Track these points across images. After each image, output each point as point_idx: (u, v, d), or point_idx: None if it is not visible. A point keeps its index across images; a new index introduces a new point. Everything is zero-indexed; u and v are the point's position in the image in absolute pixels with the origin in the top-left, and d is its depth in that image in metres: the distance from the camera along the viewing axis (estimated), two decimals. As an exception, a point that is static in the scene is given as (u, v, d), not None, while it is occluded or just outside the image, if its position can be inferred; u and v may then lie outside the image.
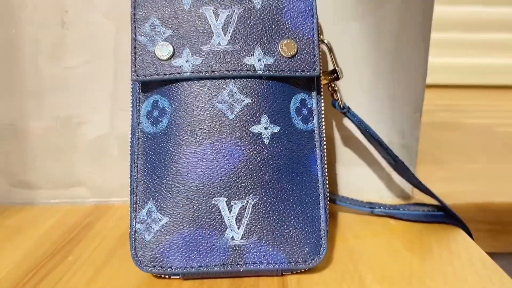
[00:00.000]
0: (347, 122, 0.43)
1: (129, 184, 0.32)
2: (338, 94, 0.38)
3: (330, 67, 0.39)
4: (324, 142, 0.34)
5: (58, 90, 0.41)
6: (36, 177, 0.43)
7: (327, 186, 0.33)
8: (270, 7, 0.32)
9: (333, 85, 0.38)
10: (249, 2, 0.32)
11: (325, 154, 0.34)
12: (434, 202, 0.41)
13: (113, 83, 0.41)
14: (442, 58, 1.18)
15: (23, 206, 0.44)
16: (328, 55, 0.38)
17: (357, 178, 0.44)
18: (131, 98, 0.34)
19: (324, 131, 0.34)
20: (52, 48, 0.40)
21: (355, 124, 0.39)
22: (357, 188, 0.44)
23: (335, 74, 0.38)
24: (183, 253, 0.30)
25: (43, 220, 0.41)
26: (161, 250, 0.30)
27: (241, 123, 0.31)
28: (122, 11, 0.40)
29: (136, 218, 0.31)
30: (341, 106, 0.38)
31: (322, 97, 0.35)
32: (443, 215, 0.40)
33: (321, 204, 0.32)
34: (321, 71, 0.35)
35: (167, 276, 0.31)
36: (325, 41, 0.37)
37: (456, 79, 1.20)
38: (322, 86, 0.36)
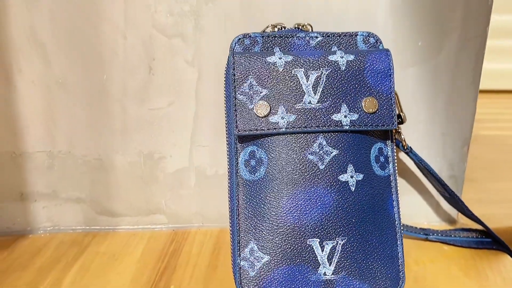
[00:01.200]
0: (401, 156, 0.48)
1: (230, 225, 0.37)
2: (402, 136, 0.43)
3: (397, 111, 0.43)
4: (398, 186, 0.38)
5: (142, 129, 0.46)
6: (120, 205, 0.48)
7: (402, 226, 0.38)
8: (353, 68, 0.37)
9: (397, 128, 0.43)
10: (335, 64, 0.36)
11: (399, 197, 0.38)
12: (478, 226, 0.46)
13: (193, 122, 0.46)
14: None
15: (108, 232, 0.48)
16: (395, 102, 0.42)
17: (407, 205, 0.49)
18: (227, 147, 0.38)
19: (397, 175, 0.39)
20: (139, 92, 0.44)
21: (415, 163, 0.44)
22: (408, 214, 0.49)
23: (400, 119, 0.42)
24: (283, 287, 0.35)
25: (133, 247, 0.45)
26: (264, 284, 0.35)
27: (331, 172, 0.36)
28: (203, 59, 0.44)
29: (240, 256, 0.36)
30: (405, 146, 0.43)
31: (395, 144, 0.39)
32: (491, 242, 0.45)
33: (398, 242, 0.37)
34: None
35: (267, 306, 0.36)
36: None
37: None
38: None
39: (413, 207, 0.49)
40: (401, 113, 0.42)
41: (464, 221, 0.50)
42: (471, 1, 0.43)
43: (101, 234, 0.48)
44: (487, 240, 0.45)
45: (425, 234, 0.46)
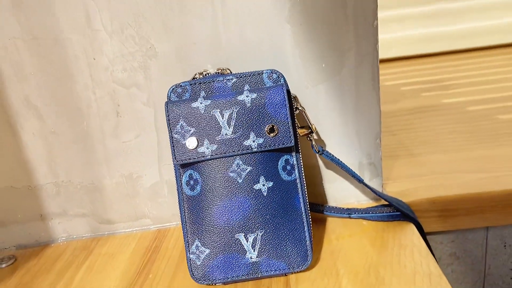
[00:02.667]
0: (327, 152, 0.59)
1: (181, 228, 0.50)
2: (313, 142, 0.54)
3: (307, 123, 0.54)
4: (305, 186, 0.50)
5: (120, 157, 0.59)
6: (114, 215, 0.62)
7: (309, 213, 0.50)
8: (256, 104, 0.48)
9: (309, 136, 0.54)
10: (242, 103, 0.48)
11: (306, 194, 0.50)
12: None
13: (157, 147, 0.59)
14: (431, 28, 1.29)
15: (109, 236, 0.63)
16: (304, 117, 0.54)
17: (339, 190, 0.61)
18: (174, 171, 0.51)
19: (304, 178, 0.51)
20: (112, 131, 0.58)
21: (329, 160, 0.55)
22: (340, 197, 0.61)
23: (310, 130, 0.54)
24: (222, 270, 0.48)
25: (126, 246, 0.60)
26: (208, 270, 0.48)
27: (247, 184, 0.48)
28: (156, 99, 0.56)
29: (189, 250, 0.49)
30: (317, 150, 0.54)
31: (300, 153, 0.51)
32: (400, 215, 0.56)
33: (305, 229, 0.49)
34: (299, 127, 0.52)
35: (214, 284, 0.49)
36: (300, 108, 0.53)
37: (446, 46, 1.31)
38: (300, 137, 0.52)
39: (343, 191, 0.61)
40: (310, 125, 0.54)
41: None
42: (359, 25, 0.53)
43: (104, 238, 0.63)
44: (397, 214, 0.56)
45: (348, 214, 0.58)
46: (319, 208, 0.59)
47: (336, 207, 0.59)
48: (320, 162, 0.60)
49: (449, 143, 0.76)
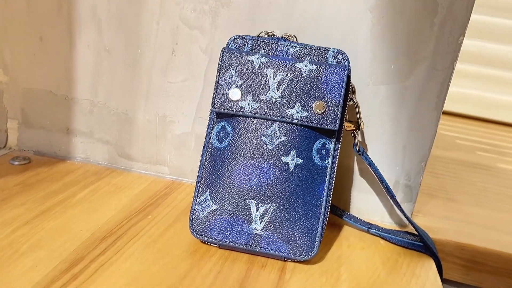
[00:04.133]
0: (366, 158, 0.56)
1: (197, 175, 0.48)
2: (357, 140, 0.51)
3: (357, 119, 0.51)
4: (334, 177, 0.47)
5: (161, 96, 0.58)
6: (136, 152, 0.61)
7: (329, 207, 0.47)
8: (312, 76, 0.46)
9: (355, 133, 0.51)
10: (299, 70, 0.46)
11: (333, 185, 0.47)
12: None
13: (199, 98, 0.57)
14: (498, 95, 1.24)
15: (123, 171, 0.62)
16: (356, 111, 0.51)
17: (366, 202, 0.57)
18: (209, 118, 0.49)
19: (335, 169, 0.47)
20: (163, 67, 0.57)
21: (367, 164, 0.52)
22: (365, 210, 0.57)
23: (358, 126, 0.51)
24: (222, 231, 0.46)
25: (137, 185, 0.58)
26: (208, 225, 0.46)
27: (276, 153, 0.46)
28: (214, 49, 0.55)
29: (196, 201, 0.47)
30: (358, 149, 0.51)
31: (340, 143, 0.48)
32: (422, 246, 0.52)
33: (320, 219, 0.46)
34: (348, 120, 0.49)
35: (209, 243, 0.47)
36: (354, 100, 0.50)
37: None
38: (345, 131, 0.49)
39: (370, 205, 0.57)
40: (359, 121, 0.51)
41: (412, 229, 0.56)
42: (442, 37, 0.50)
43: (118, 171, 0.61)
44: (419, 244, 0.52)
45: (368, 227, 0.54)
46: (339, 212, 0.55)
47: (356, 217, 0.55)
48: (356, 167, 0.56)
49: (493, 202, 0.70)
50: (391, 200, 0.56)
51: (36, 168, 0.59)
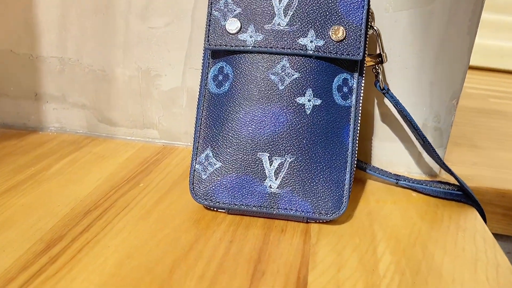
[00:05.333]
0: (387, 100, 0.48)
1: (194, 132, 0.40)
2: (380, 76, 0.43)
3: (378, 51, 0.43)
4: (359, 118, 0.39)
5: (142, 45, 0.49)
6: (118, 116, 0.52)
7: (356, 155, 0.39)
8: (326, -4, 0.37)
9: (377, 68, 0.43)
10: (309, -10, 0.37)
11: (358, 129, 0.39)
12: (457, 183, 0.46)
13: (187, 44, 0.48)
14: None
15: (106, 138, 0.53)
16: (376, 41, 0.43)
17: (390, 152, 0.49)
18: (202, 61, 0.40)
19: (360, 109, 0.39)
20: (141, 10, 0.48)
21: (392, 104, 0.44)
22: (388, 162, 0.49)
23: (380, 58, 0.43)
24: (230, 193, 0.38)
25: (122, 152, 0.50)
26: (213, 188, 0.38)
27: (289, 93, 0.37)
28: (202, -17, 0.46)
29: (196, 160, 0.39)
30: (381, 87, 0.43)
31: (364, 78, 0.40)
32: (462, 195, 0.44)
33: (347, 169, 0.38)
34: (367, 54, 0.40)
35: (215, 209, 0.39)
36: (375, 27, 0.42)
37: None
38: (366, 67, 0.41)
39: (394, 155, 0.49)
40: (382, 53, 0.43)
41: (447, 177, 0.49)
42: None
43: (100, 140, 0.53)
44: (458, 193, 0.45)
45: (396, 179, 0.46)
46: (361, 165, 0.47)
47: (382, 169, 0.47)
48: (376, 111, 0.48)
49: (521, 145, 0.63)
50: (420, 146, 0.48)
51: (1, 141, 0.50)
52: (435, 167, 0.49)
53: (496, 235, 0.51)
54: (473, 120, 0.75)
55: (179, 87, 0.50)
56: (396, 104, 0.43)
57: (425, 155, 0.49)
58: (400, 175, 0.47)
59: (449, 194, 0.45)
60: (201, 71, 0.41)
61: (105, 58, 0.50)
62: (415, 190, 0.46)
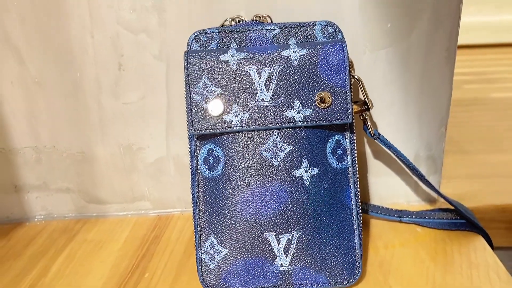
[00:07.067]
0: (377, 138, 0.47)
1: (193, 219, 0.38)
2: (369, 123, 0.42)
3: (362, 97, 0.43)
4: (358, 177, 0.39)
5: (119, 122, 0.47)
6: (106, 194, 0.50)
7: (361, 215, 0.39)
8: (306, 63, 0.36)
9: (364, 114, 0.42)
10: (288, 60, 0.36)
11: (358, 187, 0.39)
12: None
13: (166, 115, 0.47)
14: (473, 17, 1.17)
15: (98, 218, 0.51)
16: (359, 88, 0.42)
17: (387, 186, 0.49)
18: (189, 145, 0.39)
19: (357, 167, 0.39)
20: (111, 87, 0.46)
21: (385, 147, 0.43)
22: (387, 195, 0.49)
23: (366, 106, 0.42)
24: (242, 278, 0.37)
25: (118, 233, 0.48)
26: (224, 276, 0.37)
27: (285, 168, 0.36)
28: (170, 52, 0.44)
29: (201, 249, 0.38)
30: (372, 133, 0.42)
31: (355, 135, 0.39)
32: (465, 223, 0.45)
33: (355, 233, 0.38)
34: (353, 103, 0.39)
35: (229, 295, 0.38)
36: (356, 76, 0.41)
37: (488, 38, 1.18)
38: (354, 116, 0.40)
39: (392, 188, 0.49)
40: (367, 100, 0.42)
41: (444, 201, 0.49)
42: (441, -22, 0.41)
43: (91, 221, 0.51)
44: (461, 222, 0.45)
45: (399, 217, 0.46)
46: (363, 207, 0.47)
47: (383, 208, 0.47)
48: (368, 150, 0.48)
49: (507, 142, 0.64)
50: (414, 177, 0.48)
51: (-11, 244, 0.48)
52: (433, 193, 0.49)
53: (498, 248, 0.52)
54: (454, 117, 0.75)
55: (165, 156, 0.49)
56: (389, 147, 0.43)
57: (421, 183, 0.49)
58: (402, 211, 0.47)
59: (453, 224, 0.45)
60: (189, 152, 0.39)
61: (82, 140, 0.48)
62: (419, 224, 0.46)
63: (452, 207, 0.46)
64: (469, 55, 1.10)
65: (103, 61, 0.45)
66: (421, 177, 0.44)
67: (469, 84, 0.91)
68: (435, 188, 0.44)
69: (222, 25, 0.40)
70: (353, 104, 0.40)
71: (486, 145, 0.63)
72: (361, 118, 0.43)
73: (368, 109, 0.42)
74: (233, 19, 0.40)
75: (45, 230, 0.50)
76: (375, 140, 0.43)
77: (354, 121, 0.39)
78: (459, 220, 0.45)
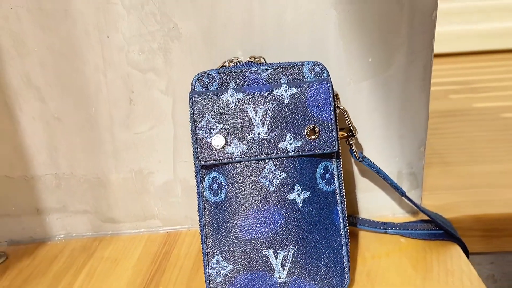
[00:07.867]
0: (363, 158, 0.52)
1: (201, 238, 0.44)
2: (354, 147, 0.48)
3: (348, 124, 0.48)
4: (344, 197, 0.44)
5: (130, 150, 0.52)
6: (120, 214, 0.56)
7: (348, 232, 0.44)
8: (296, 101, 0.41)
9: (349, 140, 0.48)
10: (280, 98, 0.41)
11: (345, 207, 0.44)
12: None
13: (173, 142, 0.52)
14: (460, 26, 1.22)
15: (113, 236, 0.56)
16: (345, 118, 0.47)
17: (374, 200, 0.54)
18: (195, 173, 0.44)
19: (343, 188, 0.44)
20: (123, 120, 0.51)
21: (370, 168, 0.49)
22: (374, 208, 0.54)
23: (351, 132, 0.47)
24: (245, 290, 0.42)
25: (132, 250, 0.53)
26: (229, 288, 0.42)
27: (280, 193, 0.42)
28: (176, 88, 0.49)
29: (208, 265, 0.43)
30: (357, 156, 0.48)
31: (341, 160, 0.44)
32: (443, 233, 0.50)
33: (343, 248, 0.43)
34: (339, 130, 0.45)
35: (234, 304, 0.43)
36: (341, 107, 0.46)
37: (472, 46, 1.23)
38: (340, 142, 0.45)
39: (378, 202, 0.54)
40: (351, 127, 0.47)
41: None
42: (414, 18, 0.46)
43: (107, 239, 0.56)
44: (440, 232, 0.50)
45: (384, 229, 0.51)
46: (351, 220, 0.52)
47: (370, 220, 0.52)
48: (355, 169, 0.53)
49: (488, 152, 0.69)
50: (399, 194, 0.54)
51: (16, 263, 0.53)
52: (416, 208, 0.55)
53: (476, 254, 0.58)
54: (437, 128, 0.80)
55: (172, 179, 0.54)
56: (373, 168, 0.48)
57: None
58: (387, 223, 0.52)
59: (433, 235, 0.50)
60: (195, 179, 0.44)
61: (98, 167, 0.53)
62: (403, 235, 0.51)
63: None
64: (456, 63, 1.15)
65: (115, 98, 0.50)
66: (403, 194, 0.49)
67: (454, 95, 0.96)
68: (415, 203, 0.50)
69: (222, 66, 0.46)
70: (339, 131, 0.46)
71: (468, 156, 0.68)
72: (347, 143, 0.48)
73: (353, 136, 0.47)
74: (231, 61, 0.46)
75: (66, 249, 0.55)
76: (361, 163, 0.48)
77: (340, 146, 0.44)
78: (438, 230, 0.50)
